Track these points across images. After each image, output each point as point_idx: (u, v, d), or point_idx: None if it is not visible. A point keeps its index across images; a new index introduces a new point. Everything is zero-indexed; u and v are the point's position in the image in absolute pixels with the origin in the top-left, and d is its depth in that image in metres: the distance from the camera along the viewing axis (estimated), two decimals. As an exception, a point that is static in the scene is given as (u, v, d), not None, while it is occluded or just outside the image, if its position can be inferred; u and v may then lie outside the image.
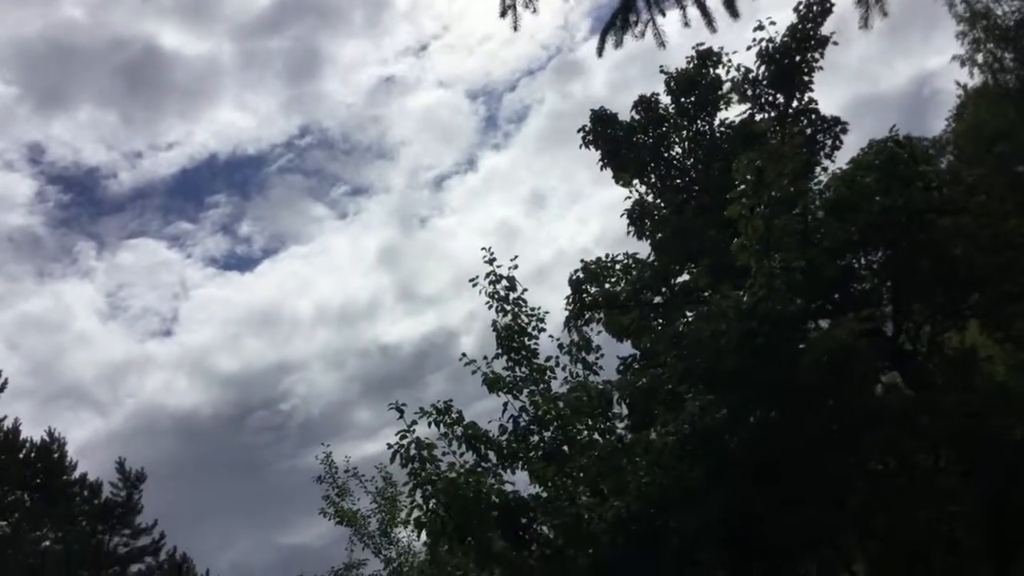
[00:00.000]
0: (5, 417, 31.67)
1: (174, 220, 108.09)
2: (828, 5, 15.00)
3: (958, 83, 25.61)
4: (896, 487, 12.35)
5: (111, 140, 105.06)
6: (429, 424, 12.33)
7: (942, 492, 12.66)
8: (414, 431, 12.10)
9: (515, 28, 5.42)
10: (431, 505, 11.73)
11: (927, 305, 13.80)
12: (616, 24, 5.18)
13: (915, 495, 12.38)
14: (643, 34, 5.01)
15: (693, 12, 5.19)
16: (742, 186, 11.44)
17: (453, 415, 12.43)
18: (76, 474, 35.29)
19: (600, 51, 5.00)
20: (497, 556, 12.18)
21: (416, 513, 11.99)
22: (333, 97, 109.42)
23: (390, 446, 12.01)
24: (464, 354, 13.13)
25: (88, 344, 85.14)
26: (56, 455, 34.77)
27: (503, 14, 5.43)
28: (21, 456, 32.87)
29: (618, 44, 5.05)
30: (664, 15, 5.16)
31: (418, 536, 12.68)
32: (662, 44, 4.96)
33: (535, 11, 5.33)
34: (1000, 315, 14.05)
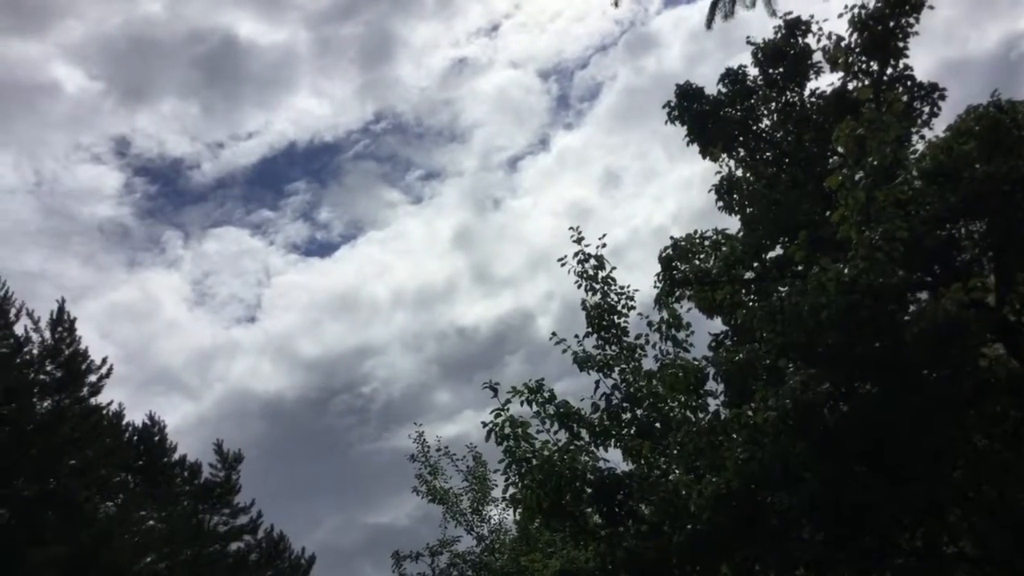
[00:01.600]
0: (112, 402, 32.98)
1: (256, 208, 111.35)
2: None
3: (1058, 43, 24.32)
4: (1002, 461, 12.02)
5: (193, 131, 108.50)
6: (521, 403, 12.49)
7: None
8: (508, 409, 12.27)
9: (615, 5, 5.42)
10: (526, 482, 11.87)
11: (1033, 275, 13.30)
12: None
13: (1021, 470, 12.03)
14: (754, 3, 4.96)
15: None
16: (841, 155, 11.21)
17: (545, 394, 12.56)
18: (176, 456, 36.78)
19: (709, 23, 4.98)
20: (592, 532, 12.28)
21: (511, 490, 12.16)
22: (406, 81, 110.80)
23: (485, 424, 12.23)
24: (554, 333, 13.25)
25: (177, 331, 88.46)
26: (156, 438, 36.29)
27: None
28: (124, 439, 34.29)
29: (727, 16, 5.02)
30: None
31: (513, 513, 12.86)
32: (773, 12, 4.90)
33: None
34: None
